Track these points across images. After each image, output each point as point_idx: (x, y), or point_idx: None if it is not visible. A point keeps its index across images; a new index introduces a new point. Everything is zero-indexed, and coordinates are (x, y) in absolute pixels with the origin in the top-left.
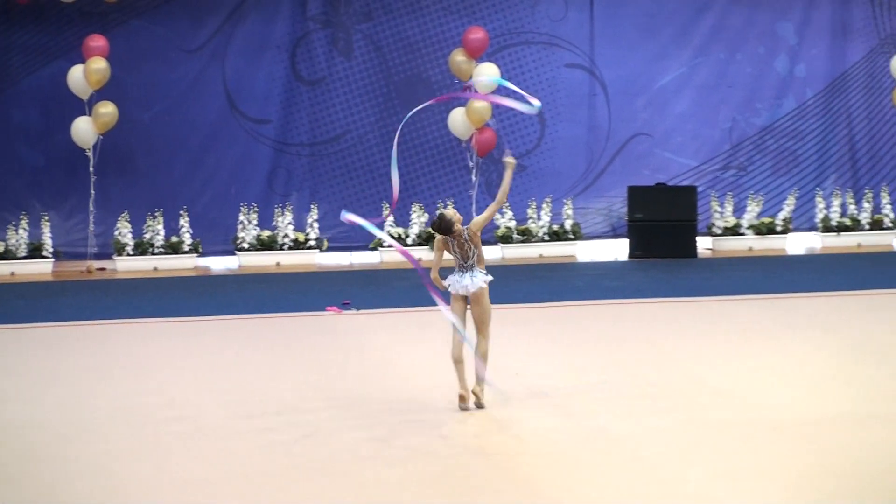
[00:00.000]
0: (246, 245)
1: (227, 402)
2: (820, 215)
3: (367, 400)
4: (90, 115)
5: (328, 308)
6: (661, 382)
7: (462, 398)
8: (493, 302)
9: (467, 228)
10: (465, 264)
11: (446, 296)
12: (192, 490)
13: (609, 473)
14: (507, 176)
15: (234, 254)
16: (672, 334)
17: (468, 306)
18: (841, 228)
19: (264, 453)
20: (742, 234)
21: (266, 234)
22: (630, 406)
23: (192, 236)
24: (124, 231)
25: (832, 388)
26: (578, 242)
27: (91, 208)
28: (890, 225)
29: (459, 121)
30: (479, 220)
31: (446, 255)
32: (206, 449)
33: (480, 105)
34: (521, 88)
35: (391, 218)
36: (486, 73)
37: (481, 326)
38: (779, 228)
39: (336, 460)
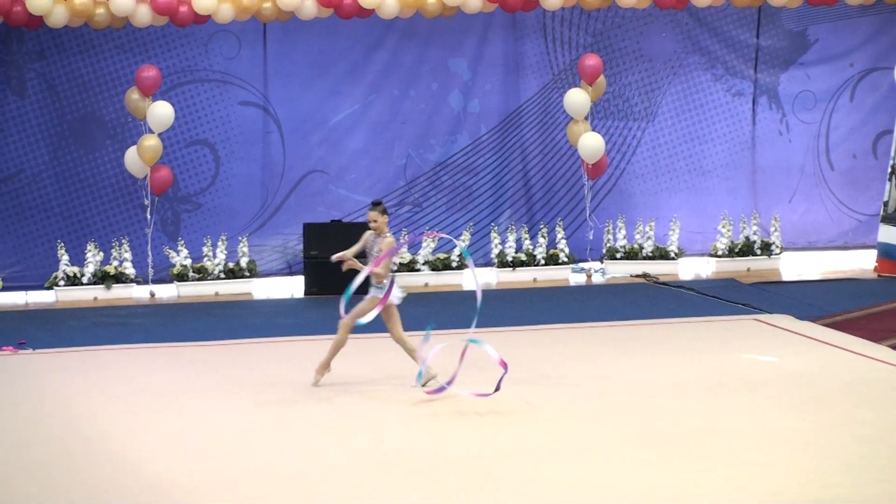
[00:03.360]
0: None
1: None
2: (495, 250)
3: (43, 440)
4: None
5: (3, 348)
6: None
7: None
8: (162, 342)
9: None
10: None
11: None
12: None
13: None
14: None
15: None
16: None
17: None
18: (517, 263)
19: None
20: (418, 270)
21: None
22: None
23: None
24: None
25: (499, 423)
26: (254, 280)
27: None
28: (565, 259)
29: (133, 159)
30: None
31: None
32: None
33: (152, 143)
34: (194, 126)
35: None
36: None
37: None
38: (454, 264)
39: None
